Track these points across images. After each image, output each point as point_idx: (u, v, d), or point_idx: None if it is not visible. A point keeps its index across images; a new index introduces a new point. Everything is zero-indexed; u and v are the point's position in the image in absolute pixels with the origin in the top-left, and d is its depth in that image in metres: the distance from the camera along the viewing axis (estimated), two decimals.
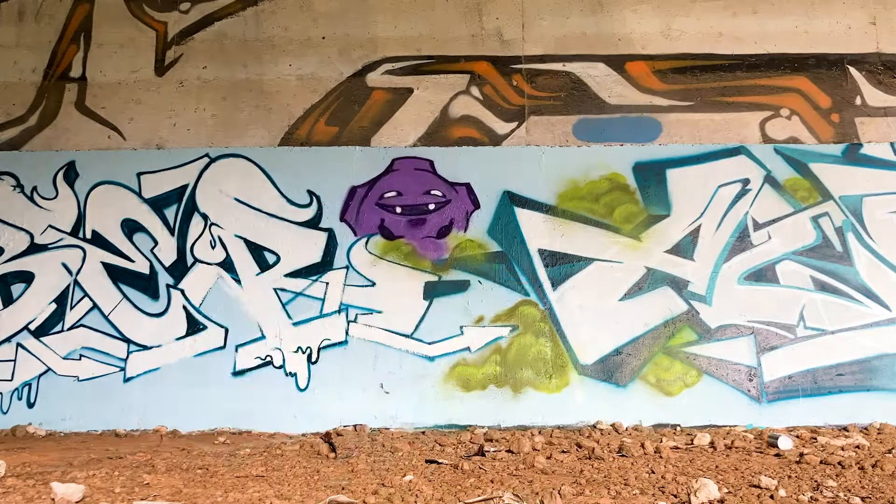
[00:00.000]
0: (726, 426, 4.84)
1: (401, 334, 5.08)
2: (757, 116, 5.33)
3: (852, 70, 5.36)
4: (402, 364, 5.03)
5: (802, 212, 5.21)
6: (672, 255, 5.17)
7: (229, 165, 5.33)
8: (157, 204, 5.29)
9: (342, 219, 5.22)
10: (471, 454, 3.87)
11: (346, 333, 5.13)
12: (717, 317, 5.09)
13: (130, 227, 5.26)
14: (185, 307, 5.16)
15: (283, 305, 5.13)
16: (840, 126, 5.30)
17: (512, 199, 5.23)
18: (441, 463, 3.55)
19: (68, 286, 5.20)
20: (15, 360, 5.11)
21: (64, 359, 5.11)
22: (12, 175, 5.33)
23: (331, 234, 5.21)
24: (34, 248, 5.24)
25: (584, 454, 3.75)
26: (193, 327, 5.14)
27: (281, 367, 5.05)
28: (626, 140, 5.31)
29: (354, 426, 4.88)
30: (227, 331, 5.13)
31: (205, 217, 5.27)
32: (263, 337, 5.10)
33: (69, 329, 5.15)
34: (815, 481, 3.03)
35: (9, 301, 5.19)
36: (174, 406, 5.03)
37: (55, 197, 5.31)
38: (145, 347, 5.12)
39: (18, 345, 5.13)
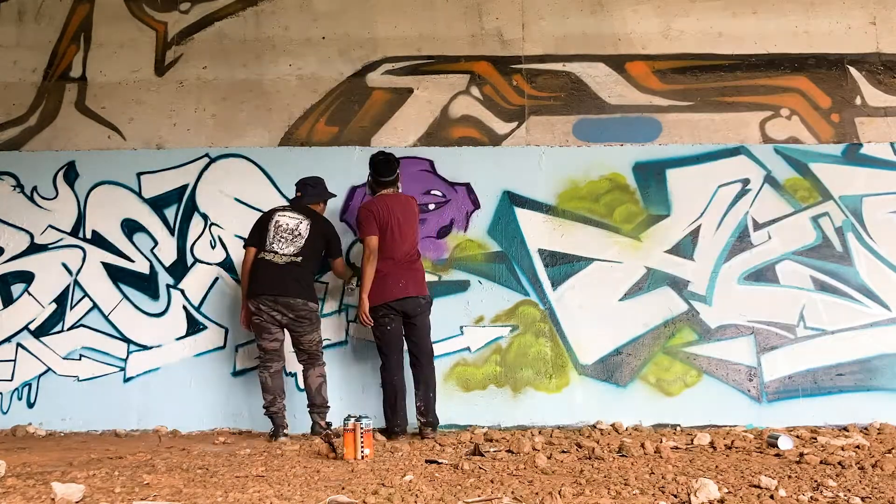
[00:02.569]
0: (726, 426, 4.84)
1: None
2: (757, 116, 5.32)
3: (852, 70, 5.35)
4: None
5: (802, 212, 5.21)
6: (672, 255, 5.16)
7: (229, 165, 5.32)
8: (157, 204, 5.28)
9: (342, 219, 5.21)
10: (471, 454, 3.86)
11: (346, 333, 5.13)
12: (717, 317, 5.09)
13: (130, 227, 5.26)
14: (185, 307, 5.16)
15: None
16: (840, 126, 5.30)
17: (512, 199, 5.22)
18: (441, 463, 3.55)
19: (68, 286, 5.19)
20: (15, 360, 5.11)
21: (64, 359, 5.11)
22: (12, 175, 5.32)
23: None
24: (34, 248, 5.24)
25: (584, 454, 3.75)
26: (193, 327, 5.14)
27: None
28: (626, 140, 5.31)
29: None
30: (227, 331, 5.14)
31: (205, 217, 5.26)
32: None
33: (69, 329, 5.15)
34: (815, 481, 3.03)
35: (9, 301, 5.19)
36: (174, 406, 5.03)
37: (55, 197, 5.30)
38: (145, 347, 5.12)
39: (18, 345, 5.13)
